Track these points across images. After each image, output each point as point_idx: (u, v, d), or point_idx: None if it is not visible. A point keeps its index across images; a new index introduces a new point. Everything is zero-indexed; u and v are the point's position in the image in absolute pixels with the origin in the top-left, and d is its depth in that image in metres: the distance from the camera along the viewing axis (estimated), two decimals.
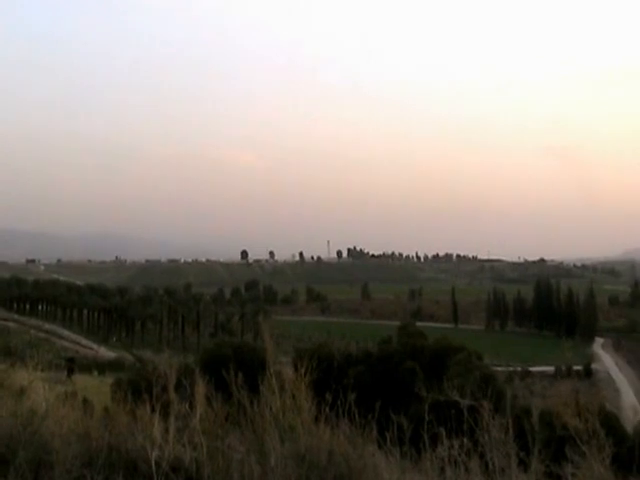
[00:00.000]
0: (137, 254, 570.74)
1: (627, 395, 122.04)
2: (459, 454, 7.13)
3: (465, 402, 7.58)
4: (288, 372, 7.62)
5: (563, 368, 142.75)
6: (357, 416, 7.48)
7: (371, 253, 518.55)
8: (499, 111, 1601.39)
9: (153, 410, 7.11)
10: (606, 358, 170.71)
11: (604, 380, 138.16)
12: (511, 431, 7.25)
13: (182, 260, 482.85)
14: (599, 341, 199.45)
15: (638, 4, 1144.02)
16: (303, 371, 7.46)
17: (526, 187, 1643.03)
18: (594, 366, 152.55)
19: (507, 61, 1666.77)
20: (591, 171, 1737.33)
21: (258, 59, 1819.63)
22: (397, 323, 76.20)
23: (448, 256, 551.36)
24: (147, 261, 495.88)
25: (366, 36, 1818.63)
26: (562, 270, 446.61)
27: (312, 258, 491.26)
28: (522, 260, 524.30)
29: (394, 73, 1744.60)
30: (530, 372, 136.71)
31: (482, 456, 7.15)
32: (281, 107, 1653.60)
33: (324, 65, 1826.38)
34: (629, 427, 51.94)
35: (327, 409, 7.44)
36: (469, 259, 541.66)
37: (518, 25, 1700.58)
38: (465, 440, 7.26)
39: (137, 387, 11.49)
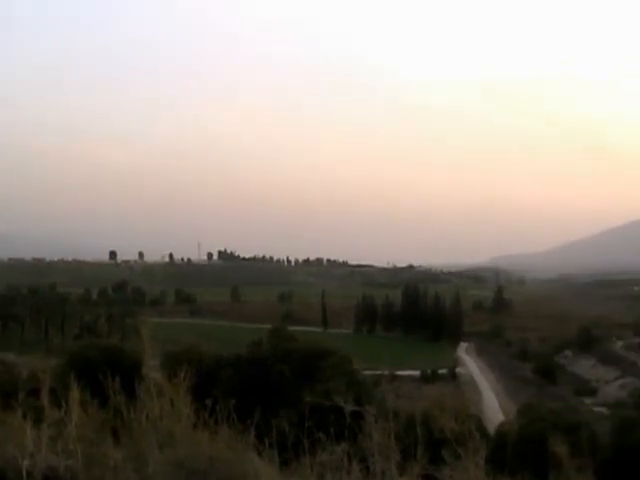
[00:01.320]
0: None
1: (488, 397, 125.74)
2: (341, 459, 7.08)
3: (348, 407, 7.56)
4: (165, 377, 7.42)
5: (429, 371, 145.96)
6: (236, 421, 7.35)
7: (242, 256, 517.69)
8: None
9: (24, 417, 6.76)
10: (469, 362, 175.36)
11: (468, 383, 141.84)
12: (393, 435, 7.25)
13: (47, 259, 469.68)
14: (463, 345, 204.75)
15: None
16: (182, 376, 7.27)
17: (396, 195, 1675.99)
18: (458, 370, 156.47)
19: None
20: (463, 182, 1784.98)
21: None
22: (268, 326, 76.08)
23: (319, 260, 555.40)
24: (10, 259, 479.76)
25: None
26: (430, 276, 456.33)
27: (182, 260, 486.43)
28: (391, 266, 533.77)
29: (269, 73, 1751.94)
30: (397, 376, 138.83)
31: (364, 460, 7.13)
32: (152, 102, 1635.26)
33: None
34: (491, 428, 53.50)
35: (206, 414, 7.29)
36: (339, 264, 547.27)
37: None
38: (347, 445, 7.22)
39: (4, 393, 10.98)
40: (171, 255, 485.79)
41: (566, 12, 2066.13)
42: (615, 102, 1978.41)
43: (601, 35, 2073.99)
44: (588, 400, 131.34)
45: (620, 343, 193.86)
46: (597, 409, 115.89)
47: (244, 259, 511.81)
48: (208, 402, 7.39)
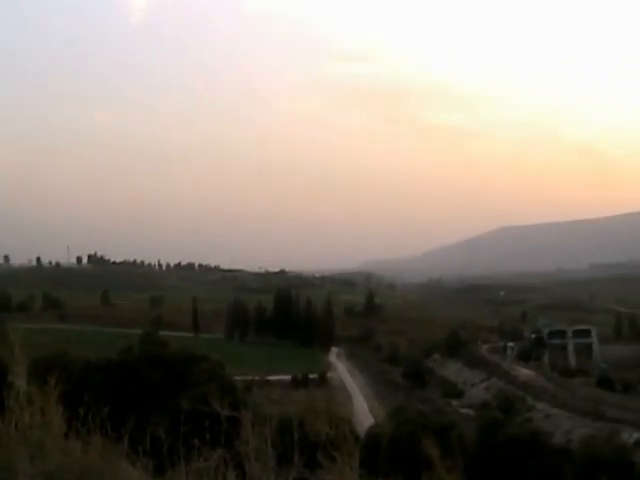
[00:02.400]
0: None
1: (358, 401, 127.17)
2: (217, 465, 7.04)
3: (224, 412, 7.52)
4: (35, 384, 7.19)
5: (300, 376, 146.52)
6: (109, 429, 7.20)
7: (112, 260, 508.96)
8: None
9: None
10: (340, 366, 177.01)
11: (338, 387, 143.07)
12: (269, 440, 7.25)
13: None
14: (335, 350, 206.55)
15: None
16: (53, 383, 7.07)
17: (267, 200, 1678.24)
18: (329, 374, 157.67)
19: None
20: (336, 186, 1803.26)
21: None
22: (139, 331, 74.84)
23: (190, 265, 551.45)
24: None
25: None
26: (302, 280, 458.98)
27: (50, 263, 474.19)
28: (263, 270, 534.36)
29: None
30: (268, 381, 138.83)
31: (240, 466, 7.10)
32: (34, 98, 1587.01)
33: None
34: (362, 432, 54.12)
35: (78, 423, 7.11)
36: (211, 268, 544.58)
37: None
38: (223, 450, 7.18)
39: None
40: (39, 259, 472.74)
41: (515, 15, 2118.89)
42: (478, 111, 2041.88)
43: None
44: (455, 402, 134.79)
45: (486, 346, 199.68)
46: (464, 411, 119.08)
47: (114, 263, 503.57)
48: (80, 410, 7.20)
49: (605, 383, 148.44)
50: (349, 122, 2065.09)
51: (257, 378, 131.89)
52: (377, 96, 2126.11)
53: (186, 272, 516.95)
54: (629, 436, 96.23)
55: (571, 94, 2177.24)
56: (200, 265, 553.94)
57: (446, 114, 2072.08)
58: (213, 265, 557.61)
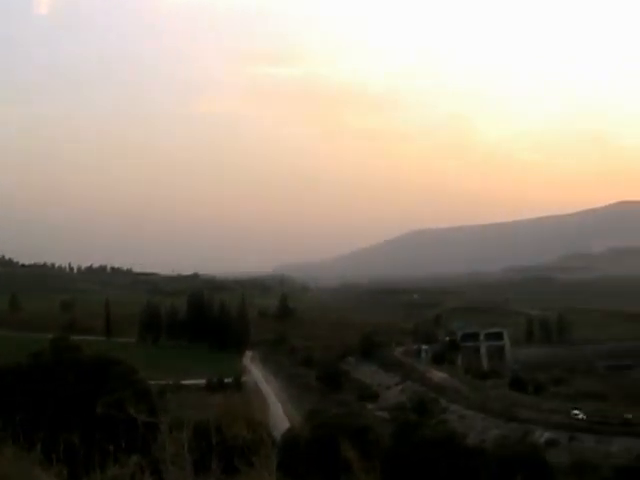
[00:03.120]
0: None
1: (274, 405, 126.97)
2: (133, 471, 6.90)
3: (141, 417, 7.38)
4: None
5: (215, 380, 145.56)
6: (21, 436, 7.00)
7: (21, 262, 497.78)
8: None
9: None
10: (255, 370, 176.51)
11: (253, 391, 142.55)
12: (186, 445, 7.13)
13: None
14: (249, 353, 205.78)
15: None
16: None
17: (178, 205, 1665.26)
18: (245, 378, 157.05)
19: None
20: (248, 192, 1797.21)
21: None
22: (49, 335, 73.36)
23: (102, 268, 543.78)
24: None
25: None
26: (216, 284, 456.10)
27: None
28: (176, 274, 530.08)
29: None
30: (183, 385, 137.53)
31: (157, 472, 6.97)
32: None
33: None
34: (278, 435, 53.97)
35: None
36: (123, 271, 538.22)
37: None
38: (139, 456, 7.05)
39: None
40: None
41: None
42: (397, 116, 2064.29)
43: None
44: (371, 405, 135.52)
45: (400, 349, 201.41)
46: (379, 413, 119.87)
47: (23, 265, 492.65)
48: None
49: (517, 384, 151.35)
50: (266, 123, 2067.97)
51: (171, 382, 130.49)
52: (296, 98, 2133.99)
53: (98, 275, 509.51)
54: (540, 436, 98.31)
55: (484, 98, 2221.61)
56: (112, 268, 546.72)
57: (363, 116, 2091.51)
58: (125, 268, 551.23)
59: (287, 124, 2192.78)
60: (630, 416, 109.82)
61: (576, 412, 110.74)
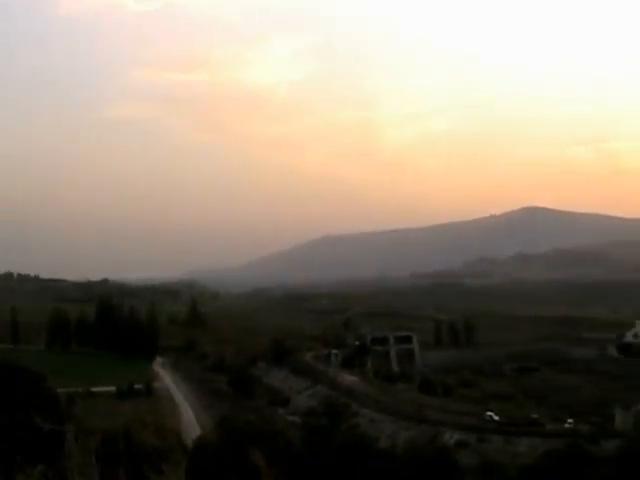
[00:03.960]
0: None
1: (186, 411, 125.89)
2: None
3: (46, 426, 7.17)
4: None
5: (125, 387, 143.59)
6: None
7: None
8: None
9: None
10: (166, 376, 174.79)
11: (164, 398, 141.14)
12: (93, 453, 6.96)
13: None
14: (160, 360, 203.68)
15: None
16: None
17: (86, 211, 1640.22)
18: (155, 385, 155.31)
19: None
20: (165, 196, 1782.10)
21: None
22: None
23: (8, 275, 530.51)
24: None
25: None
26: (125, 290, 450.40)
27: None
28: (86, 280, 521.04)
29: None
30: (93, 393, 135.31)
31: None
32: None
33: None
34: (189, 442, 53.54)
35: None
36: (30, 278, 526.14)
37: None
38: (44, 466, 6.84)
39: None
40: None
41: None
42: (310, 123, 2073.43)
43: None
44: (282, 410, 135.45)
45: (311, 354, 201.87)
46: (290, 418, 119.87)
47: None
48: None
49: (427, 387, 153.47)
50: (176, 129, 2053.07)
51: (80, 390, 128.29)
52: (204, 104, 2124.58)
53: (3, 282, 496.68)
54: (450, 437, 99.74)
55: (385, 106, 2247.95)
56: (19, 274, 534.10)
57: (270, 123, 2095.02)
58: (32, 274, 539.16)
59: (196, 130, 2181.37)
60: (536, 416, 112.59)
61: (490, 414, 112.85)
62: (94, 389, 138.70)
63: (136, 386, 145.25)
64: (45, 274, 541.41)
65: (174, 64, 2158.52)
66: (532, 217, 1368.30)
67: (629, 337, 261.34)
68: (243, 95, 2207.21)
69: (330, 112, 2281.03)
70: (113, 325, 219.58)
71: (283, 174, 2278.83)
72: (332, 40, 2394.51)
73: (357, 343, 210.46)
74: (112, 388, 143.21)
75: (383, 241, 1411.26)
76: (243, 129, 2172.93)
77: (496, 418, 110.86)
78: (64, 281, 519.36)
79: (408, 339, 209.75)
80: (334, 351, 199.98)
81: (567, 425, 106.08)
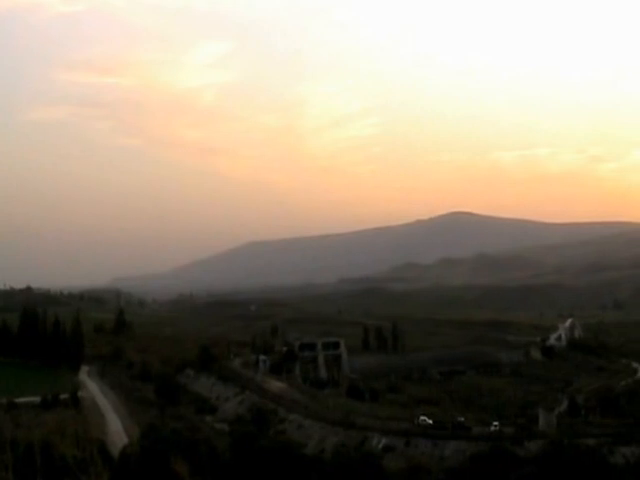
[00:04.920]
0: None
1: (112, 420, 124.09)
2: None
3: None
4: None
5: (50, 397, 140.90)
6: None
7: None
8: None
9: None
10: (92, 385, 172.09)
11: (90, 407, 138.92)
12: (10, 466, 6.80)
13: None
14: (85, 369, 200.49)
15: None
16: None
17: (12, 216, 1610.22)
18: (81, 394, 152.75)
19: None
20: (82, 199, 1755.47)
21: None
22: None
23: None
24: None
25: None
26: (50, 298, 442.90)
27: None
28: (8, 288, 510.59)
29: None
30: (16, 403, 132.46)
31: None
32: None
33: None
34: (115, 452, 52.82)
35: None
36: None
37: None
38: None
39: None
40: None
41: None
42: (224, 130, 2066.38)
43: None
44: (209, 417, 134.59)
45: (238, 360, 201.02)
46: (218, 425, 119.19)
47: None
48: None
49: (354, 393, 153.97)
50: (96, 133, 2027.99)
51: (4, 401, 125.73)
52: (117, 109, 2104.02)
53: None
54: (378, 442, 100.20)
55: (312, 111, 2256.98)
56: None
57: (186, 129, 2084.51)
58: None
59: (119, 134, 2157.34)
60: (463, 419, 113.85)
61: (424, 418, 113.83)
62: (18, 400, 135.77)
63: (61, 396, 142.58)
64: None
65: (97, 67, 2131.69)
66: (457, 222, 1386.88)
67: (552, 340, 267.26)
68: (167, 99, 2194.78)
69: (257, 117, 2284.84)
70: (37, 334, 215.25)
71: (208, 179, 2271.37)
72: (259, 45, 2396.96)
73: (285, 349, 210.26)
74: (37, 398, 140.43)
75: (310, 247, 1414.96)
76: (168, 133, 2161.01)
77: (430, 422, 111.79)
78: None
79: (336, 345, 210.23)
80: (262, 357, 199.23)
81: (492, 428, 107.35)
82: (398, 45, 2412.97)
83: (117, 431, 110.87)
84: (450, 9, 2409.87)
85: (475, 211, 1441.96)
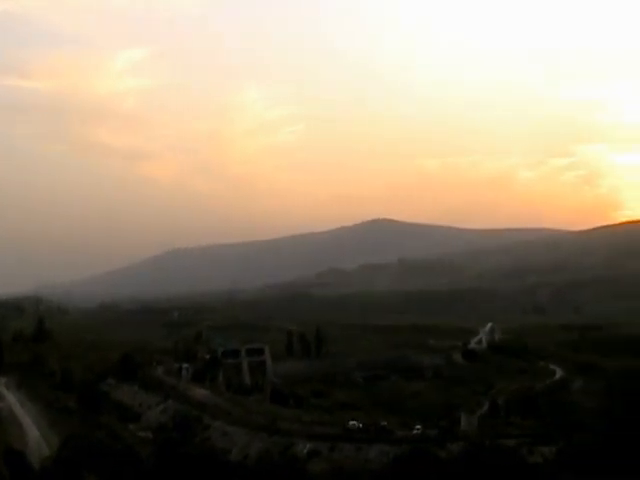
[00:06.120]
0: None
1: (31, 431, 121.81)
2: None
3: None
4: None
5: None
6: None
7: None
8: None
9: None
10: (10, 396, 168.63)
11: (8, 418, 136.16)
12: None
13: None
14: (3, 380, 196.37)
15: None
16: None
17: None
18: None
19: None
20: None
21: None
22: None
23: None
24: None
25: None
26: None
27: None
28: None
29: None
30: None
31: None
32: None
33: None
34: (36, 463, 51.99)
35: None
36: None
37: None
38: None
39: None
40: None
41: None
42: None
43: None
44: (132, 426, 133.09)
45: (162, 368, 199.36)
46: (141, 434, 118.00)
47: None
48: None
49: (279, 398, 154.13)
50: (16, 138, 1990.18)
51: None
52: (36, 113, 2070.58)
53: None
54: (303, 447, 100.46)
55: (236, 117, 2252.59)
56: None
57: (109, 134, 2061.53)
58: None
59: (39, 139, 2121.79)
60: (385, 423, 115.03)
61: (353, 422, 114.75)
62: None
63: None
64: None
65: (15, 70, 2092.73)
66: (381, 228, 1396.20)
67: (472, 344, 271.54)
68: (90, 104, 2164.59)
69: (180, 123, 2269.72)
70: None
71: (132, 186, 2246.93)
72: (182, 50, 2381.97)
73: (208, 356, 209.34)
74: None
75: (235, 253, 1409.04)
76: (91, 139, 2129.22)
77: (360, 426, 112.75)
78: None
79: (260, 351, 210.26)
80: (185, 365, 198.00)
81: (415, 430, 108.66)
82: (323, 52, 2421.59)
83: (37, 442, 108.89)
84: (368, 14, 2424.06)
85: (398, 218, 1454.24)
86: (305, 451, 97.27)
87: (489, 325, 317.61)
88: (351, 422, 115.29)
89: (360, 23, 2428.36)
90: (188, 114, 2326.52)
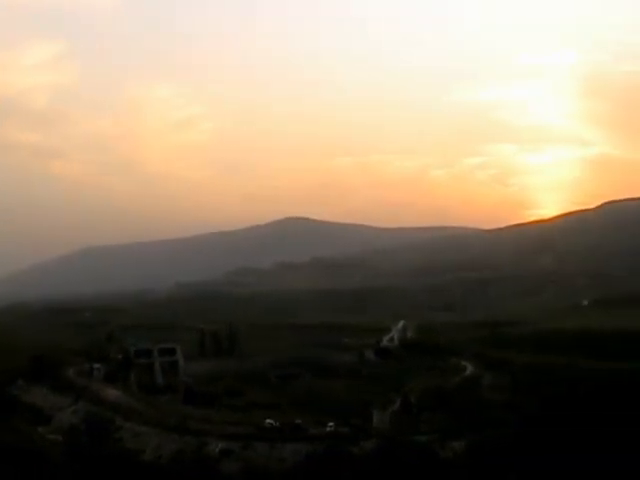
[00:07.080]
0: None
1: None
2: None
3: None
4: None
5: None
6: None
7: None
8: None
9: None
10: None
11: None
12: None
13: None
14: None
15: None
16: None
17: None
18: None
19: None
20: None
21: None
22: None
23: None
24: None
25: None
26: None
27: None
28: None
29: None
30: None
31: None
32: None
33: None
34: None
35: None
36: None
37: None
38: None
39: None
40: None
41: None
42: None
43: None
44: (42, 428, 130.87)
45: (72, 369, 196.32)
46: (52, 436, 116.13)
47: None
48: None
49: (191, 398, 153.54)
50: None
51: None
52: None
53: None
54: (215, 446, 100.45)
55: (150, 114, 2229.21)
56: None
57: (20, 132, 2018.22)
58: None
59: None
60: (300, 421, 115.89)
61: (270, 421, 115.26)
62: None
63: None
64: None
65: None
66: (294, 227, 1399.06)
67: (385, 342, 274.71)
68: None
69: (92, 120, 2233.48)
70: None
71: (44, 183, 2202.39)
72: (93, 47, 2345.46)
73: (120, 357, 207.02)
74: None
75: (147, 252, 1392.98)
76: (0, 136, 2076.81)
77: (277, 425, 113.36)
78: None
79: (172, 351, 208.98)
80: (96, 365, 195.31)
81: (328, 428, 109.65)
82: (235, 50, 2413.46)
83: None
84: (272, 13, 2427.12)
85: (311, 216, 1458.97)
86: (217, 450, 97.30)
87: (401, 323, 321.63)
88: (267, 421, 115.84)
89: (264, 22, 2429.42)
90: (100, 111, 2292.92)
